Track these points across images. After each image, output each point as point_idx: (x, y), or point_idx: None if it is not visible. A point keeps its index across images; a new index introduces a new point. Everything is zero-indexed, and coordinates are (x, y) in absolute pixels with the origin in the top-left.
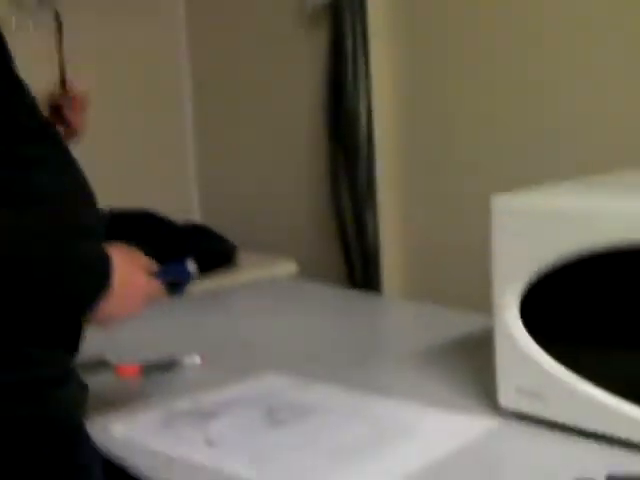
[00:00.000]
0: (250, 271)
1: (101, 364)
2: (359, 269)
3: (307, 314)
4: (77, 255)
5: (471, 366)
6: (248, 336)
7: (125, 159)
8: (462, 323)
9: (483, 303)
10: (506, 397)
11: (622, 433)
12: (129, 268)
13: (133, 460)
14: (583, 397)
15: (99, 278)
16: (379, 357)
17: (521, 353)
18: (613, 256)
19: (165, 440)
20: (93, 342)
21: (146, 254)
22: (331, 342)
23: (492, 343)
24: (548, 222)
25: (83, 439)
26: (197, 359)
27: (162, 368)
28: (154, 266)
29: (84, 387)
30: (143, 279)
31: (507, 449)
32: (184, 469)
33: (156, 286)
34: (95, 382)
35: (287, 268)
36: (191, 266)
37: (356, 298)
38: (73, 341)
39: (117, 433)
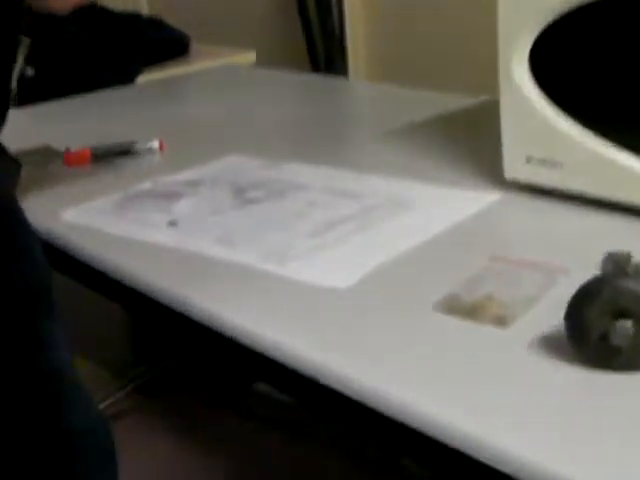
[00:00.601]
0: (206, 61)
1: (47, 153)
2: (322, 52)
3: (270, 99)
4: None
5: (464, 141)
6: (207, 121)
7: None
8: (445, 102)
9: (464, 86)
10: (513, 168)
11: None
12: None
13: (84, 245)
14: (607, 162)
15: None
16: (354, 136)
17: (533, 114)
18: None
19: (121, 222)
20: (36, 132)
21: (94, 45)
22: (298, 125)
23: (486, 118)
24: None
25: (19, 221)
26: (155, 144)
27: (116, 154)
28: None
29: (15, 163)
30: None
31: (517, 224)
32: (143, 251)
33: None
34: (41, 173)
35: (246, 57)
36: None
37: (321, 82)
38: None
39: (67, 217)
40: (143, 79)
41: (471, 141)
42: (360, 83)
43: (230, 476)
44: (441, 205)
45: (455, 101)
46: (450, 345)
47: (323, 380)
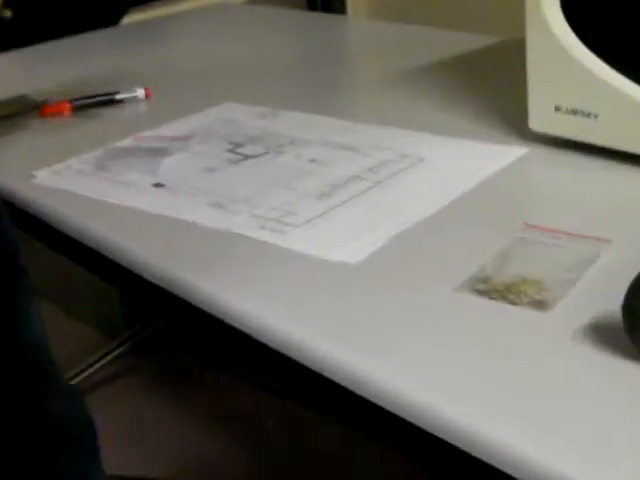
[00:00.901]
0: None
1: (23, 103)
2: None
3: (265, 40)
4: None
5: (482, 86)
6: (198, 66)
7: None
8: (459, 42)
9: (479, 25)
10: (540, 118)
11: None
12: None
13: (57, 211)
14: None
15: None
16: (358, 80)
17: (564, 56)
18: None
19: (100, 184)
20: (13, 80)
21: None
22: (296, 68)
23: (508, 60)
24: None
25: None
26: (141, 92)
27: (98, 104)
28: None
29: None
30: None
31: (548, 185)
32: (124, 218)
33: None
34: (15, 126)
35: None
36: None
37: (319, 20)
38: None
39: (40, 179)
40: (128, 20)
41: (491, 87)
42: (361, 22)
43: (229, 438)
44: (460, 161)
45: (470, 41)
46: (478, 333)
47: (328, 374)
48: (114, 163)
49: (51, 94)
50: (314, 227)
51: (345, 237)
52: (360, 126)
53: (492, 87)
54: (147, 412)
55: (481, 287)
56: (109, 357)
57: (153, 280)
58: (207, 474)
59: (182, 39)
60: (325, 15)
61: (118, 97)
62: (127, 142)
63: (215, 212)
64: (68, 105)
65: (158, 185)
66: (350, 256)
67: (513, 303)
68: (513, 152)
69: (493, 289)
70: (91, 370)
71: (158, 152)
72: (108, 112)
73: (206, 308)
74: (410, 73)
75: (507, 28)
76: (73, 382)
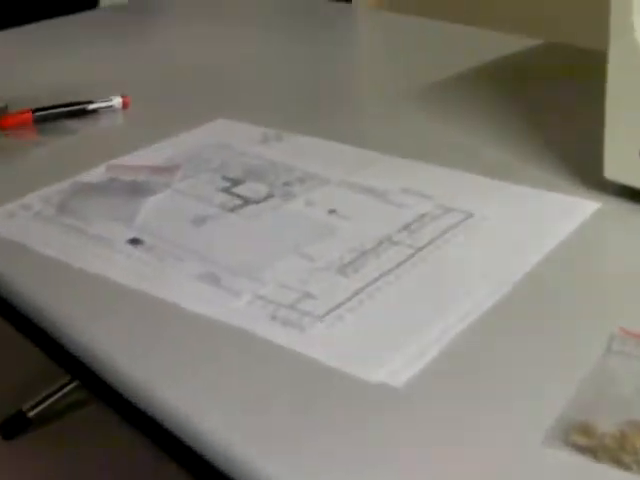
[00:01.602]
0: None
1: None
2: None
3: (263, 35)
4: None
5: (534, 110)
6: (187, 65)
7: None
8: (491, 44)
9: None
10: (620, 166)
11: None
12: None
13: (5, 273)
14: None
15: None
16: (375, 92)
17: None
18: None
19: (62, 236)
20: None
21: None
22: (300, 72)
23: (566, 76)
24: None
25: None
26: (117, 102)
27: (66, 116)
28: None
29: None
30: None
31: (627, 241)
32: (89, 290)
33: None
34: None
35: None
36: None
37: (322, 6)
38: None
39: None
40: (108, 1)
41: (547, 111)
42: (373, 12)
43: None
44: (519, 219)
45: (506, 42)
46: None
47: None
48: (82, 204)
49: (12, 99)
50: (339, 321)
51: (383, 343)
52: (383, 157)
53: (549, 111)
54: (112, 439)
55: (580, 440)
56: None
57: (118, 388)
58: None
59: (169, 28)
60: (329, 2)
61: (91, 107)
62: (98, 173)
63: (208, 290)
64: (29, 115)
65: (135, 242)
66: (392, 376)
67: (628, 468)
68: (583, 207)
69: (599, 445)
70: (53, 398)
71: (136, 190)
72: (79, 125)
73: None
74: (440, 85)
75: (550, 28)
76: (35, 411)
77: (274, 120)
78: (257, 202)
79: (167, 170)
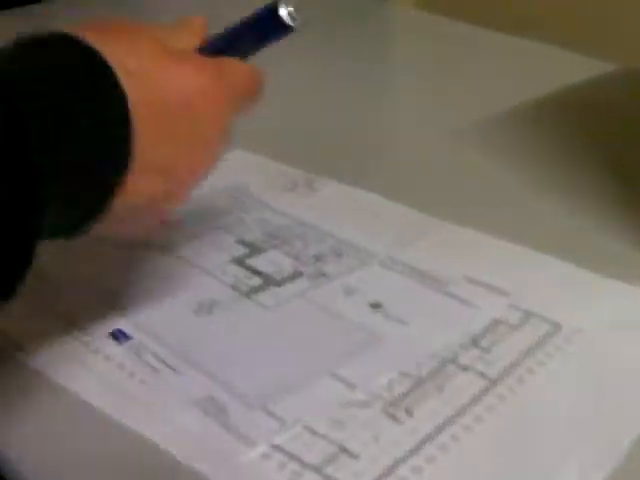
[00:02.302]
0: None
1: None
2: None
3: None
4: None
5: (624, 157)
6: None
7: None
8: (560, 66)
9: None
10: None
11: None
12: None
13: None
14: None
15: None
16: (425, 128)
17: None
18: None
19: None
20: None
21: None
22: (330, 92)
23: None
24: None
25: None
26: None
27: None
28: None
29: None
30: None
31: None
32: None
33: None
34: None
35: None
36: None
37: (356, 8)
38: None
39: None
40: None
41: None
42: (416, 12)
43: None
44: (633, 334)
45: (581, 66)
46: None
47: None
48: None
49: None
50: None
51: None
52: (440, 224)
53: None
54: None
55: None
56: None
57: None
58: None
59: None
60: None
61: None
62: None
63: (209, 426)
64: None
65: (118, 337)
66: None
67: None
68: None
69: None
70: None
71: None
72: None
73: None
74: (500, 119)
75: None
76: None
77: (301, 155)
78: (280, 284)
79: (165, 225)
